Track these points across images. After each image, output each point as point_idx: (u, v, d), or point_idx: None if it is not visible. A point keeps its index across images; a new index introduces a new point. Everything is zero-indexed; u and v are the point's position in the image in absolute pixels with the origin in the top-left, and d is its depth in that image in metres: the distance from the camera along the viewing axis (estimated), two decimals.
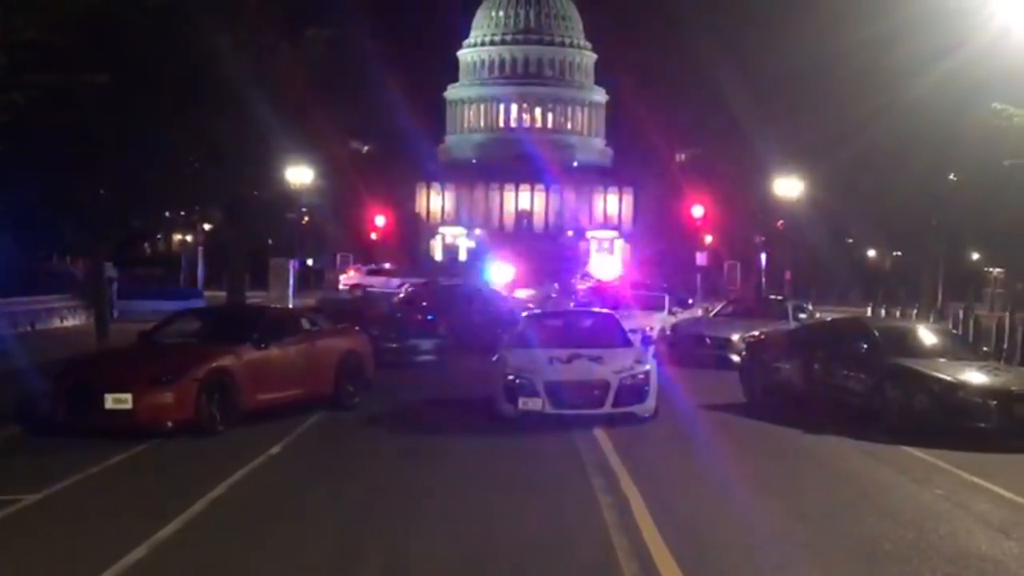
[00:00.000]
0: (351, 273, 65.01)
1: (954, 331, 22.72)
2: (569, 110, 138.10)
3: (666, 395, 15.54)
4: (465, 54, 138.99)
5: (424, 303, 29.02)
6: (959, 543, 8.46)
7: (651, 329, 24.17)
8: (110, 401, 12.51)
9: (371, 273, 64.24)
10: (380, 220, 63.62)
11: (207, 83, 21.16)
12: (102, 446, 11.76)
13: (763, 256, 55.73)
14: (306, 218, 56.02)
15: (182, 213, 60.68)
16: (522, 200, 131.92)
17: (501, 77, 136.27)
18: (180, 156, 22.64)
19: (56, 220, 25.11)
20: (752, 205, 59.57)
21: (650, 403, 14.47)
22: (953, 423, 13.26)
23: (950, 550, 8.21)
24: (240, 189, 28.14)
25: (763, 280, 53.90)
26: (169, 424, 12.64)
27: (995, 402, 13.33)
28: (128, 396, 12.51)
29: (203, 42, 20.79)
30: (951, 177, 39.38)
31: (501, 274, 56.57)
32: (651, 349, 16.33)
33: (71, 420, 12.82)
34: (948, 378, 13.64)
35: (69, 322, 32.76)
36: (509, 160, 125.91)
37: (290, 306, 31.10)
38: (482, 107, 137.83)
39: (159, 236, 74.64)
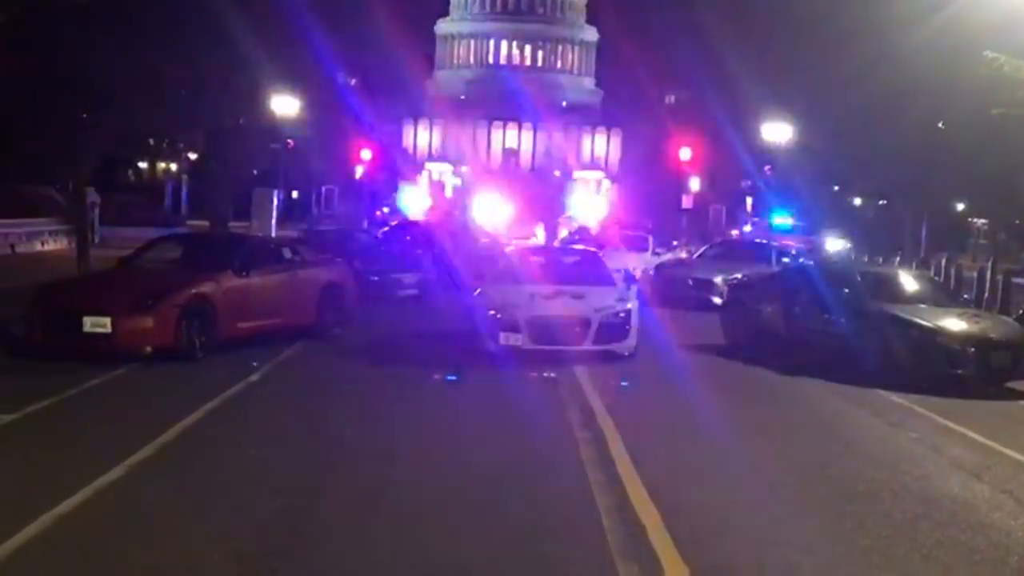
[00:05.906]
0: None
1: (935, 278, 22.77)
2: (560, 48, 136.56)
3: (647, 334, 15.58)
4: None
5: (408, 237, 28.98)
6: (932, 485, 8.53)
7: (634, 269, 24.19)
8: (88, 324, 12.45)
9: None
10: (366, 154, 62.93)
11: (189, 8, 20.86)
12: (80, 369, 11.71)
13: (749, 200, 55.74)
14: (290, 149, 55.60)
15: (165, 142, 60.31)
16: (509, 138, 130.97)
17: (492, 12, 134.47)
18: (161, 81, 22.37)
19: (37, 142, 24.89)
20: (740, 149, 59.45)
21: (631, 341, 14.50)
22: (931, 369, 13.35)
23: (922, 492, 8.28)
24: (223, 117, 27.87)
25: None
26: (148, 349, 12.59)
27: (973, 349, 13.43)
28: (107, 320, 12.46)
29: None
30: (939, 126, 39.34)
31: (490, 213, 55.64)
32: (634, 288, 16.29)
33: (49, 342, 12.74)
34: (928, 324, 13.69)
35: (50, 246, 32.59)
36: (498, 97, 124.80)
37: (272, 236, 30.96)
38: (472, 43, 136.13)
39: (144, 164, 74.07)
